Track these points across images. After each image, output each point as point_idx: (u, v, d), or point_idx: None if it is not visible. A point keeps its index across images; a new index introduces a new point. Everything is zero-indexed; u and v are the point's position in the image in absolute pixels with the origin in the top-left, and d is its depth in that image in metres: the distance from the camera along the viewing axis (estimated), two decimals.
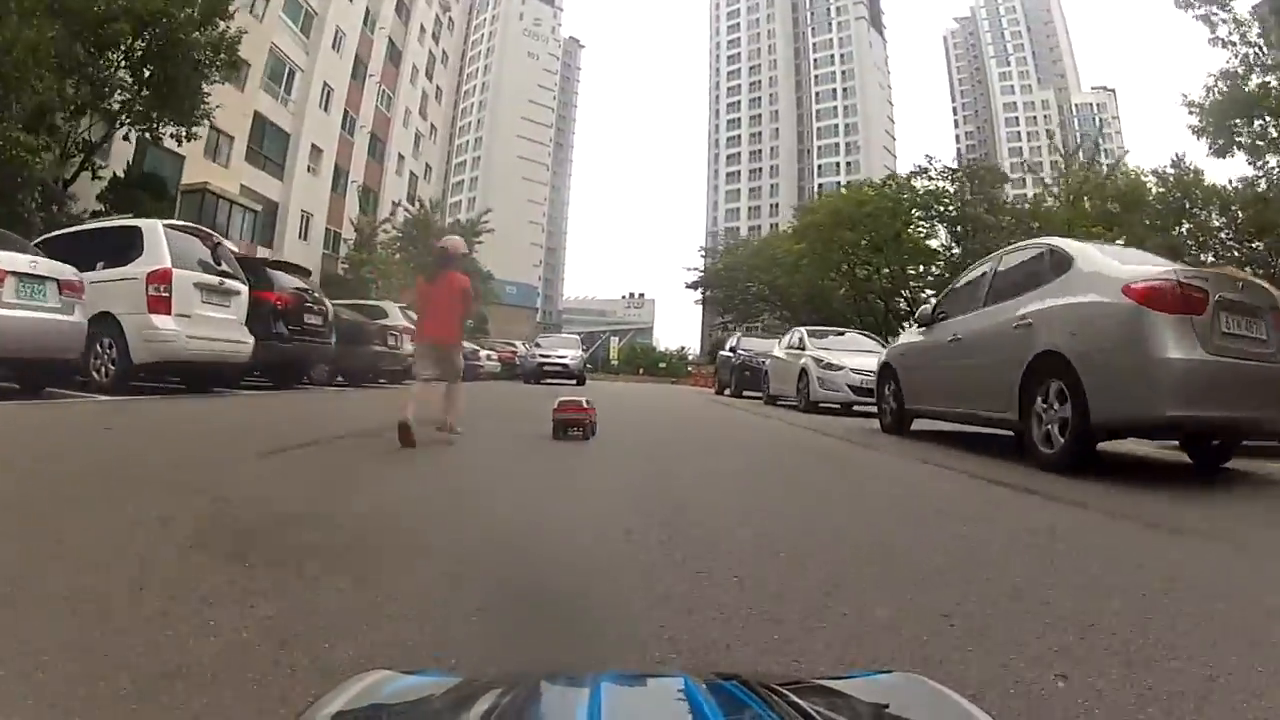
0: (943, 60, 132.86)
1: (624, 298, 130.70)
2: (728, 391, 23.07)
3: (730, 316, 57.97)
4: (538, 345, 28.30)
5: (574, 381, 24.52)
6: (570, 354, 26.18)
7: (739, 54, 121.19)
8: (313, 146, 36.56)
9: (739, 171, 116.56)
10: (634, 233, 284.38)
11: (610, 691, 0.56)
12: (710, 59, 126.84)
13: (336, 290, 32.33)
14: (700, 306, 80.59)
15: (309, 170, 36.61)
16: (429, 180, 49.79)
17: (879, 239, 37.38)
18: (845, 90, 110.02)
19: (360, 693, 0.60)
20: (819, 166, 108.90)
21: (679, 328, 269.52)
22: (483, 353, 27.72)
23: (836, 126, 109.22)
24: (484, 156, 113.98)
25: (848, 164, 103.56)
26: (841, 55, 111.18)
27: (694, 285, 58.66)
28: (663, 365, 71.95)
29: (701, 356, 70.77)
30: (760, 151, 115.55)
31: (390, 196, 43.49)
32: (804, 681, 0.63)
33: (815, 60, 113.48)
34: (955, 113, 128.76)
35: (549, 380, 24.93)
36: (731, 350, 24.01)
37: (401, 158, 47.17)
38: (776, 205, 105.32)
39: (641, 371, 53.02)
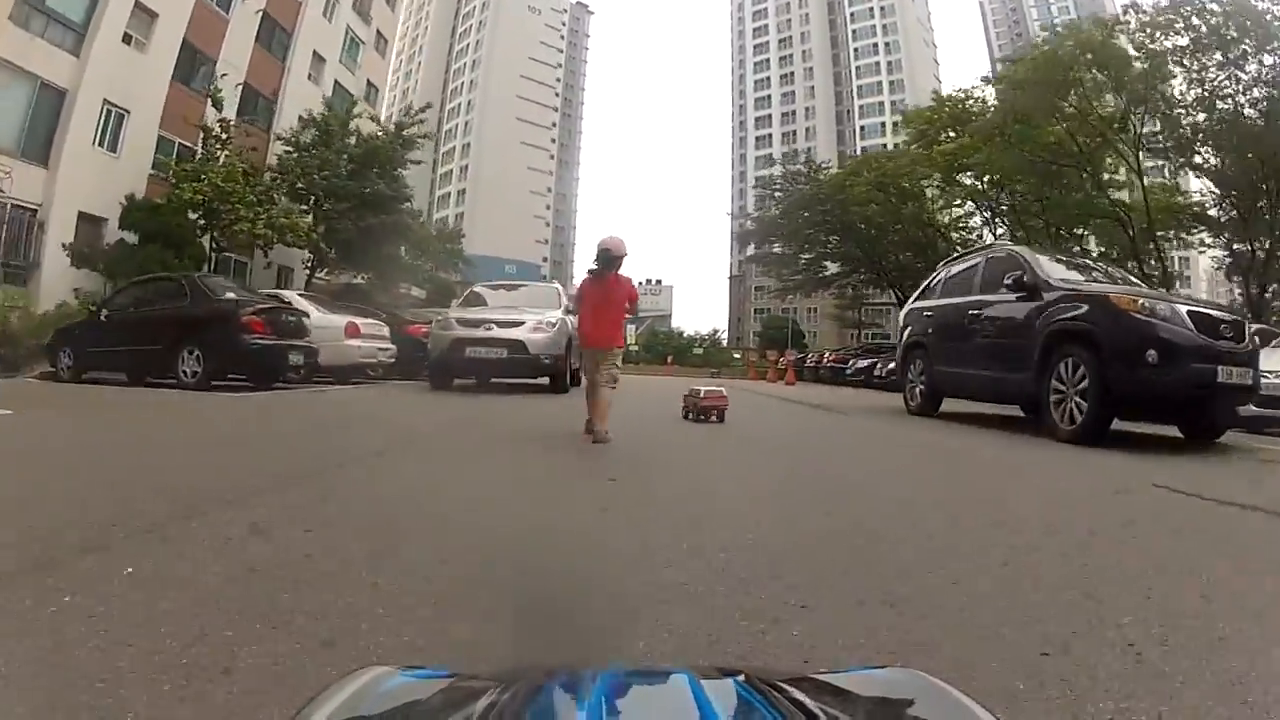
0: (978, 11, 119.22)
1: (641, 284, 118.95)
2: (914, 400, 11.27)
3: (798, 278, 44.71)
4: (470, 303, 14.51)
5: (540, 378, 13.44)
6: (533, 321, 12.87)
7: (765, 16, 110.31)
8: (138, 6, 22.83)
9: (770, 135, 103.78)
10: (651, 217, 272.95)
11: (611, 687, 0.56)
12: (733, 26, 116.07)
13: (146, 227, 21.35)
14: (729, 287, 69.15)
15: (128, 42, 22.84)
16: (375, 103, 35.31)
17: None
18: (888, 45, 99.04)
19: (358, 689, 0.60)
20: (861, 128, 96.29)
21: (699, 317, 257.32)
22: (359, 333, 15.53)
23: (879, 85, 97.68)
24: (476, 116, 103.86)
25: (894, 124, 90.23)
26: (882, 8, 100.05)
27: (744, 236, 45.48)
28: (697, 351, 59.40)
29: (749, 341, 57.45)
30: (794, 113, 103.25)
31: (298, 108, 29.50)
32: (804, 676, 0.62)
33: (852, 15, 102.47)
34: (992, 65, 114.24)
35: (484, 378, 13.85)
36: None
37: (321, 60, 33.24)
38: None
39: (670, 361, 40.94)
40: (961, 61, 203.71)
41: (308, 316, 13.90)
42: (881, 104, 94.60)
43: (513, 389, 13.09)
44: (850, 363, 29.12)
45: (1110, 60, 24.37)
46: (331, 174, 26.55)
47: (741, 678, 0.57)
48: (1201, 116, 24.65)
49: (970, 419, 10.30)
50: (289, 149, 27.07)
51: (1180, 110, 24.82)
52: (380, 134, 29.34)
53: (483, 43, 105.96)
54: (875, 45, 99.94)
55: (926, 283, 11.68)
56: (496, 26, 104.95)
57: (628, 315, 6.67)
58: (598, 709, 0.51)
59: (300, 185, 26.43)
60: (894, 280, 40.87)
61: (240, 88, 27.10)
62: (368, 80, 35.67)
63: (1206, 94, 24.18)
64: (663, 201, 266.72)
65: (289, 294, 16.37)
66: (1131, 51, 24.68)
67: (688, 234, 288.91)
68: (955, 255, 13.71)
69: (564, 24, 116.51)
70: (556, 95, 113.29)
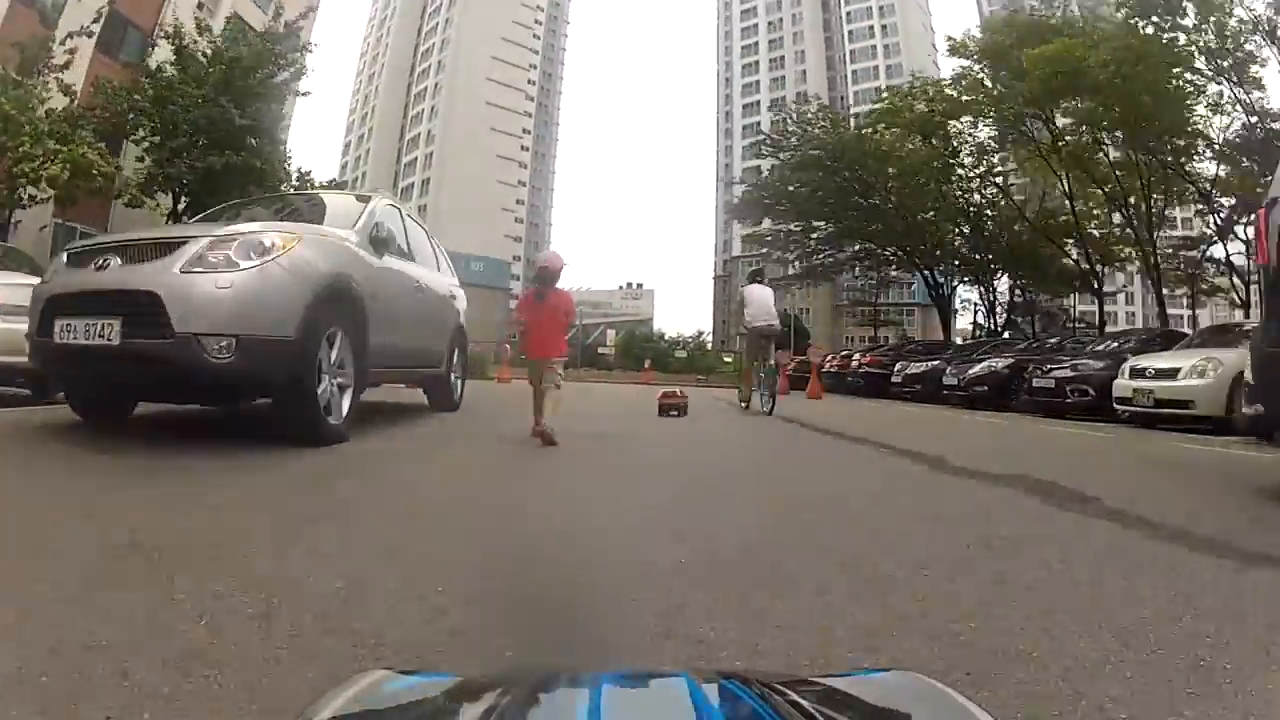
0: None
1: (621, 288, 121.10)
2: None
3: (816, 259, 37.39)
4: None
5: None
6: (208, 246, 4.62)
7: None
8: None
9: (757, 123, 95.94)
10: (631, 218, 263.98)
11: (610, 690, 0.56)
12: (720, 9, 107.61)
13: None
14: (714, 288, 61.46)
15: None
16: (279, 22, 25.89)
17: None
18: (884, 28, 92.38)
19: (359, 692, 0.60)
20: (855, 115, 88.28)
21: (682, 320, 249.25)
22: None
23: (875, 69, 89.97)
24: (444, 99, 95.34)
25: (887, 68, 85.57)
26: None
27: (741, 209, 41.06)
28: (679, 355, 51.79)
29: (736, 344, 49.39)
30: (783, 98, 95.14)
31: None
32: (803, 679, 0.63)
33: None
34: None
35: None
36: None
37: None
38: None
39: (649, 366, 33.36)
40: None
41: None
42: (878, 89, 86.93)
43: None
44: (899, 366, 20.77)
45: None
46: (182, 104, 19.59)
47: (740, 680, 0.57)
48: None
49: None
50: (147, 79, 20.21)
51: None
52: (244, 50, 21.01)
53: (453, 21, 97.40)
54: (871, 28, 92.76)
55: None
56: (469, 2, 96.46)
57: (566, 328, 6.74)
58: (597, 711, 0.51)
59: (148, 121, 19.96)
60: (930, 261, 33.09)
61: (105, 10, 20.95)
62: (285, 22, 26.46)
63: None
64: (644, 201, 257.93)
65: None
66: None
67: (670, 234, 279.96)
68: None
69: (540, 4, 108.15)
70: (531, 82, 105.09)
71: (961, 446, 6.89)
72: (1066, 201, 26.56)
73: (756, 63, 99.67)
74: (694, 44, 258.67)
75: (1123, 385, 11.54)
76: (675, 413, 9.69)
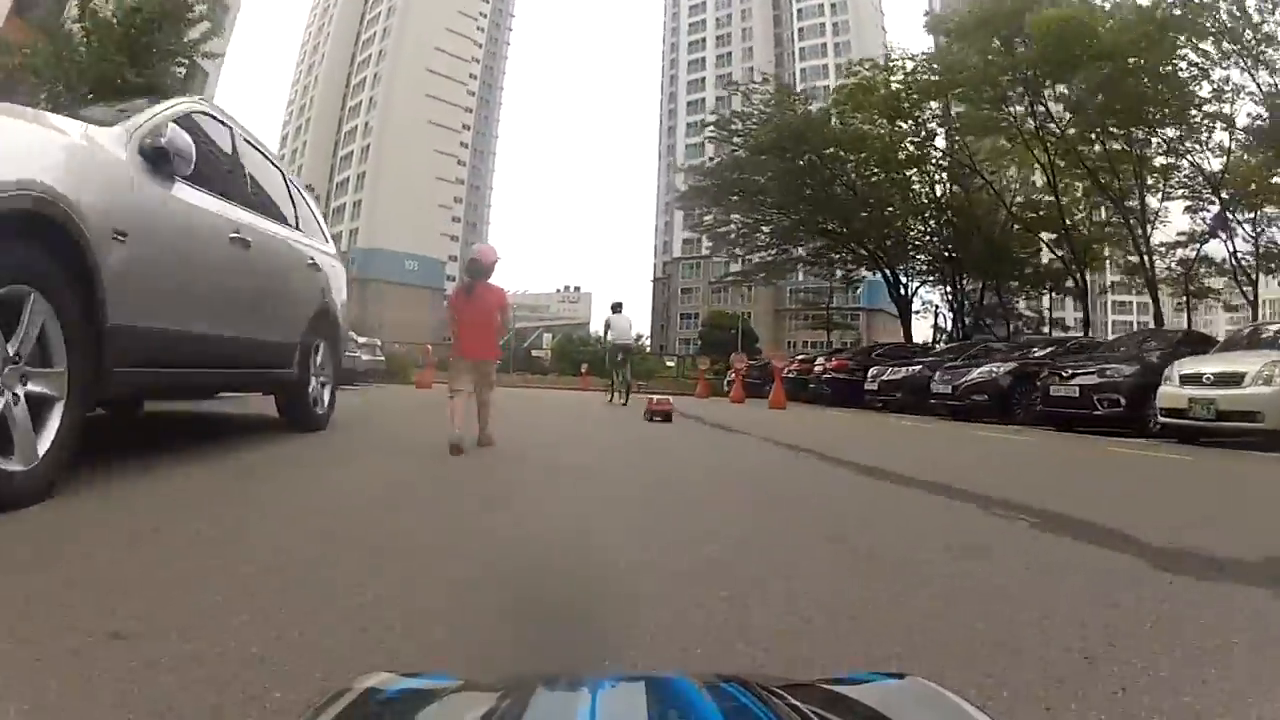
0: None
1: (558, 291, 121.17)
2: None
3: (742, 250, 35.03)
4: None
5: None
6: None
7: None
8: None
9: (702, 79, 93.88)
10: (570, 220, 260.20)
11: (609, 693, 0.56)
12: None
13: None
14: (653, 291, 59.32)
15: None
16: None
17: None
18: (834, 6, 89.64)
19: (360, 695, 0.60)
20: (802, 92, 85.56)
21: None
22: None
23: (824, 46, 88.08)
24: (383, 90, 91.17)
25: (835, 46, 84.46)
26: None
27: (691, 197, 36.73)
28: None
29: (675, 349, 46.46)
30: (730, 55, 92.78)
31: None
32: (804, 683, 0.62)
33: None
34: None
35: None
36: None
37: None
38: None
39: (586, 371, 31.17)
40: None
41: None
42: (825, 66, 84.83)
43: None
44: (874, 372, 17.99)
45: None
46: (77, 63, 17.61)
47: (740, 684, 0.56)
48: None
49: None
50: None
51: None
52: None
53: (396, 9, 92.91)
54: (820, 6, 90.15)
55: None
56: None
57: (499, 326, 6.48)
58: (596, 715, 0.51)
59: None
60: (895, 259, 30.66)
61: None
62: None
63: None
64: (584, 201, 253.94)
65: None
66: None
67: (609, 237, 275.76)
68: None
69: None
70: (473, 76, 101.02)
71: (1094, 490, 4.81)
72: (1050, 194, 24.28)
73: (704, 40, 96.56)
74: (638, 30, 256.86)
75: (1172, 394, 9.83)
76: (659, 418, 10.10)
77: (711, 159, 36.63)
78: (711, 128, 34.14)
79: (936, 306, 34.13)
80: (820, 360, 22.01)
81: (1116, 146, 21.60)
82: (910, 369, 17.19)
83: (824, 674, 0.70)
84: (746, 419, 11.10)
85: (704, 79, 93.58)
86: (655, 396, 11.39)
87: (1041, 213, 25.95)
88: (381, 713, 0.58)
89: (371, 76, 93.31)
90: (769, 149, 28.79)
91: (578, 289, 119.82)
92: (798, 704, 0.52)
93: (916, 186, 27.59)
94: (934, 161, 27.49)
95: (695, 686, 0.55)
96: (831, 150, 27.36)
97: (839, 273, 36.34)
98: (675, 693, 0.56)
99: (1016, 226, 26.83)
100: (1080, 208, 25.92)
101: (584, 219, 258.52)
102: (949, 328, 31.72)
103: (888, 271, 30.92)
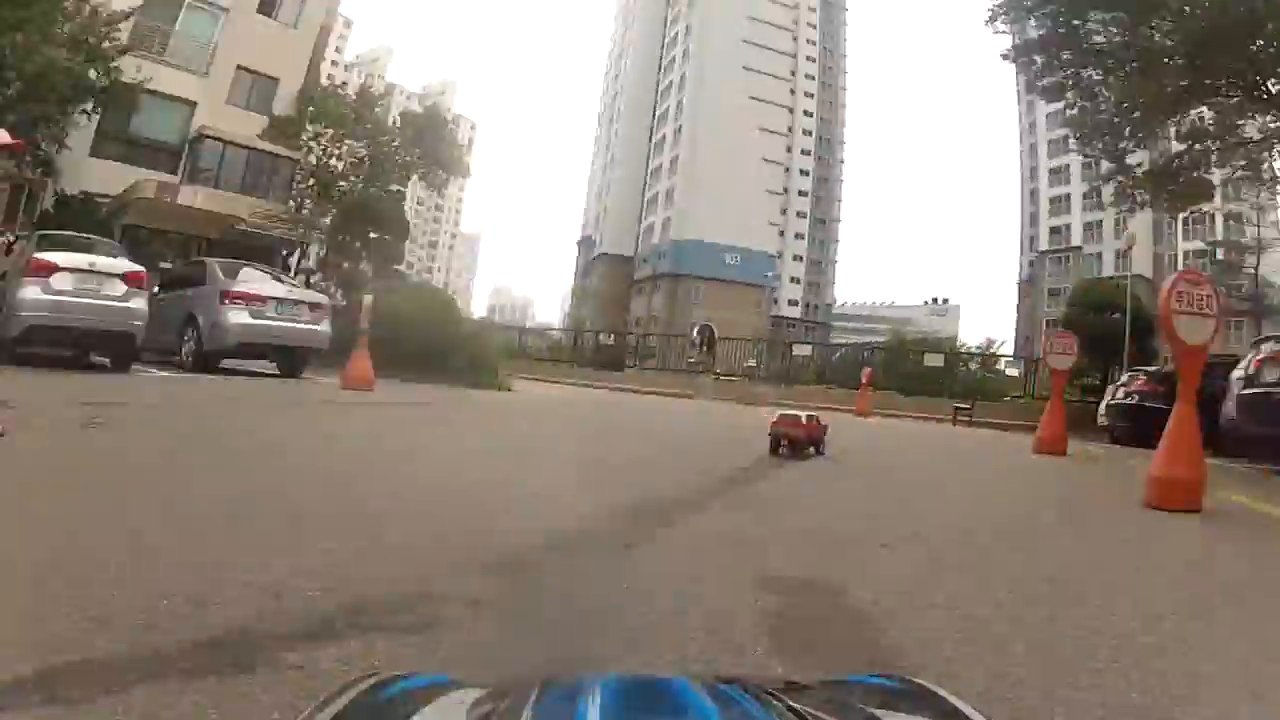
0: None
1: (926, 304, 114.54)
2: None
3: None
4: None
5: None
6: None
7: None
8: None
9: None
10: (936, 230, 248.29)
11: (609, 695, 0.56)
12: None
13: None
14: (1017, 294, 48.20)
15: None
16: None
17: None
18: None
19: (358, 696, 0.61)
20: None
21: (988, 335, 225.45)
22: None
23: None
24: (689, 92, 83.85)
25: None
26: None
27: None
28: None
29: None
30: None
31: None
32: (803, 685, 0.63)
33: None
34: None
35: None
36: None
37: None
38: None
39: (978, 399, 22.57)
40: None
41: None
42: None
43: None
44: None
45: None
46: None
47: (739, 686, 0.56)
48: None
49: None
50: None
51: None
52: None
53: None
54: None
55: None
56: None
57: None
58: (596, 717, 0.50)
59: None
60: None
61: None
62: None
63: None
64: (942, 206, 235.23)
65: None
66: None
67: (972, 244, 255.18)
68: None
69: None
70: (793, 74, 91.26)
71: None
72: None
73: None
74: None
75: None
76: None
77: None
78: None
79: None
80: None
81: None
82: None
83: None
84: None
85: None
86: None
87: None
88: (380, 713, 0.57)
89: (677, 79, 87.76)
90: None
91: (945, 301, 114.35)
92: (797, 706, 0.52)
93: None
94: None
95: (695, 688, 0.54)
96: None
97: None
98: (675, 694, 0.55)
99: None
100: None
101: (945, 223, 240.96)
102: None
103: None
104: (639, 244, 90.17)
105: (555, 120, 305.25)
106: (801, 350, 33.75)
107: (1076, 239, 70.35)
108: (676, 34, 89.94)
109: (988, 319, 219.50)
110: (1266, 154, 19.19)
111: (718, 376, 28.55)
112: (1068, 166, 71.83)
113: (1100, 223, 66.00)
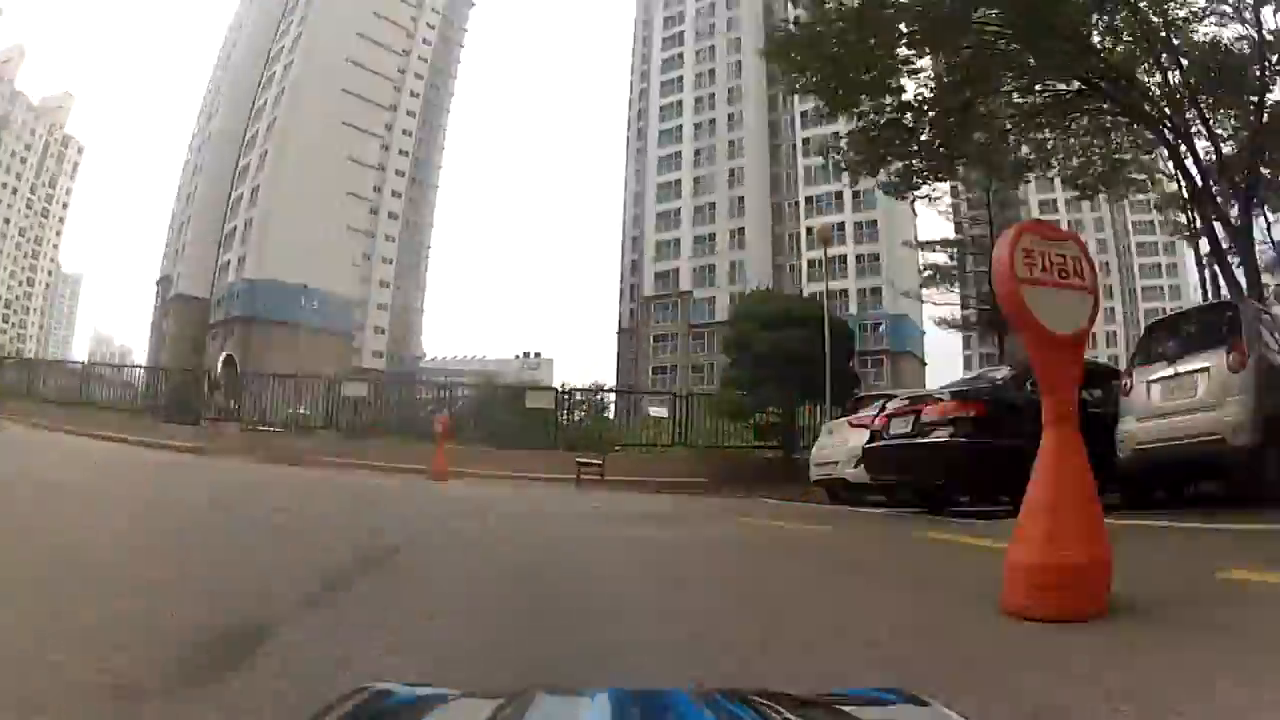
0: None
1: (517, 357, 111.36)
2: None
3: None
4: None
5: None
6: None
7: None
8: None
9: (679, 127, 78.49)
10: (528, 282, 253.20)
11: (608, 707, 0.56)
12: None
13: None
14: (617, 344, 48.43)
15: None
16: None
17: None
18: None
19: (358, 706, 0.60)
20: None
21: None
22: None
23: None
24: (283, 110, 73.90)
25: None
26: None
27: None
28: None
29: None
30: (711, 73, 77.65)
31: None
32: (802, 699, 0.62)
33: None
34: None
35: None
36: None
37: None
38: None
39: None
40: None
41: None
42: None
43: None
44: None
45: None
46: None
47: (740, 699, 0.56)
48: None
49: None
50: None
51: None
52: None
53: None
54: None
55: None
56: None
57: None
58: None
59: None
60: None
61: None
62: None
63: None
64: (539, 257, 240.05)
65: None
66: None
67: (574, 301, 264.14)
68: None
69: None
70: (396, 89, 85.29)
71: None
72: None
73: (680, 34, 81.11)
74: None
75: None
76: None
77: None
78: None
79: None
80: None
81: None
82: None
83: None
84: None
85: (680, 102, 79.08)
86: None
87: None
88: None
89: (273, 96, 76.91)
90: None
91: (538, 355, 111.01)
92: (794, 718, 0.52)
93: None
94: None
95: (692, 700, 0.54)
96: None
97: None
98: (673, 707, 0.54)
99: None
100: None
101: (541, 277, 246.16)
102: None
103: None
104: (214, 283, 76.79)
105: (154, 147, 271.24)
106: (355, 390, 25.73)
107: (686, 284, 70.51)
108: (282, 48, 78.79)
109: (584, 369, 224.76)
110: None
111: (251, 427, 20.85)
112: (678, 211, 72.70)
113: (713, 267, 67.10)
